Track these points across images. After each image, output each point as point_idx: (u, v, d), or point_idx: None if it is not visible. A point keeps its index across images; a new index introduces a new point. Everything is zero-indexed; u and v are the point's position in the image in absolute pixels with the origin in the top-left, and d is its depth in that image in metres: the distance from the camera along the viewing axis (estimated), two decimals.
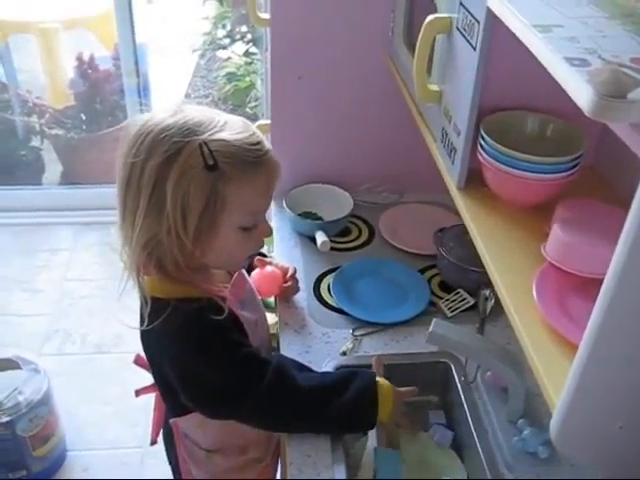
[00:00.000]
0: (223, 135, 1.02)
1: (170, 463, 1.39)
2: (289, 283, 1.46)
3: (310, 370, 1.25)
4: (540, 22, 0.73)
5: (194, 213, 1.02)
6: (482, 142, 1.02)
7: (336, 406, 1.14)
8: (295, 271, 1.48)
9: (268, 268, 1.43)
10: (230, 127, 1.05)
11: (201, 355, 1.11)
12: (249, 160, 1.04)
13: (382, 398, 1.16)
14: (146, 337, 1.16)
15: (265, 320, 1.34)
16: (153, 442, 1.36)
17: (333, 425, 1.19)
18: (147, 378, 1.42)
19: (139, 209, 1.03)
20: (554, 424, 0.71)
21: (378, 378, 1.19)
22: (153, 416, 1.33)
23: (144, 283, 1.10)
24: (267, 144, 1.09)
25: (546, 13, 0.76)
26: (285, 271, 1.46)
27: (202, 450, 1.27)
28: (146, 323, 1.08)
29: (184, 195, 1.00)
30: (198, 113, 1.05)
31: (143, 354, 1.26)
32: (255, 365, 1.15)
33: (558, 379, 0.75)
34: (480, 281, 1.46)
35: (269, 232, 1.15)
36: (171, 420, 1.25)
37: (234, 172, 1.02)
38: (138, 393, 1.33)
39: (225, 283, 1.18)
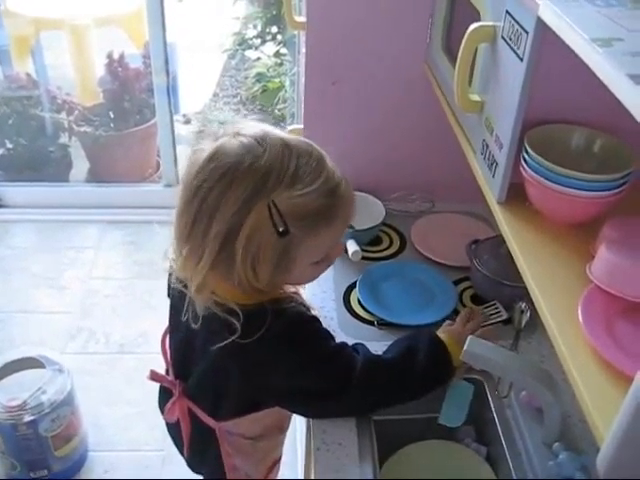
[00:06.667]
0: (295, 192, 0.97)
1: (198, 465, 1.37)
2: None
3: None
4: (599, 35, 0.69)
5: (265, 268, 1.00)
6: (526, 156, 0.99)
7: (418, 366, 1.17)
8: None
9: None
10: (302, 173, 0.98)
11: (315, 350, 1.12)
12: (324, 212, 1.01)
13: (449, 344, 1.20)
14: (249, 347, 1.05)
15: None
16: (189, 456, 1.34)
17: (422, 381, 1.19)
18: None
19: (203, 259, 0.99)
20: (603, 457, 0.67)
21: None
22: (184, 429, 1.27)
23: (223, 296, 1.06)
24: (340, 175, 1.05)
25: (604, 25, 0.73)
26: None
27: (248, 440, 1.26)
28: (243, 332, 1.03)
29: (254, 256, 0.99)
30: (271, 155, 0.97)
31: (156, 370, 1.27)
32: (350, 349, 1.17)
33: (603, 406, 0.73)
34: (514, 295, 1.42)
35: (341, 252, 1.16)
36: (217, 425, 1.22)
37: (306, 231, 1.00)
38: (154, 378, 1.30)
39: None
